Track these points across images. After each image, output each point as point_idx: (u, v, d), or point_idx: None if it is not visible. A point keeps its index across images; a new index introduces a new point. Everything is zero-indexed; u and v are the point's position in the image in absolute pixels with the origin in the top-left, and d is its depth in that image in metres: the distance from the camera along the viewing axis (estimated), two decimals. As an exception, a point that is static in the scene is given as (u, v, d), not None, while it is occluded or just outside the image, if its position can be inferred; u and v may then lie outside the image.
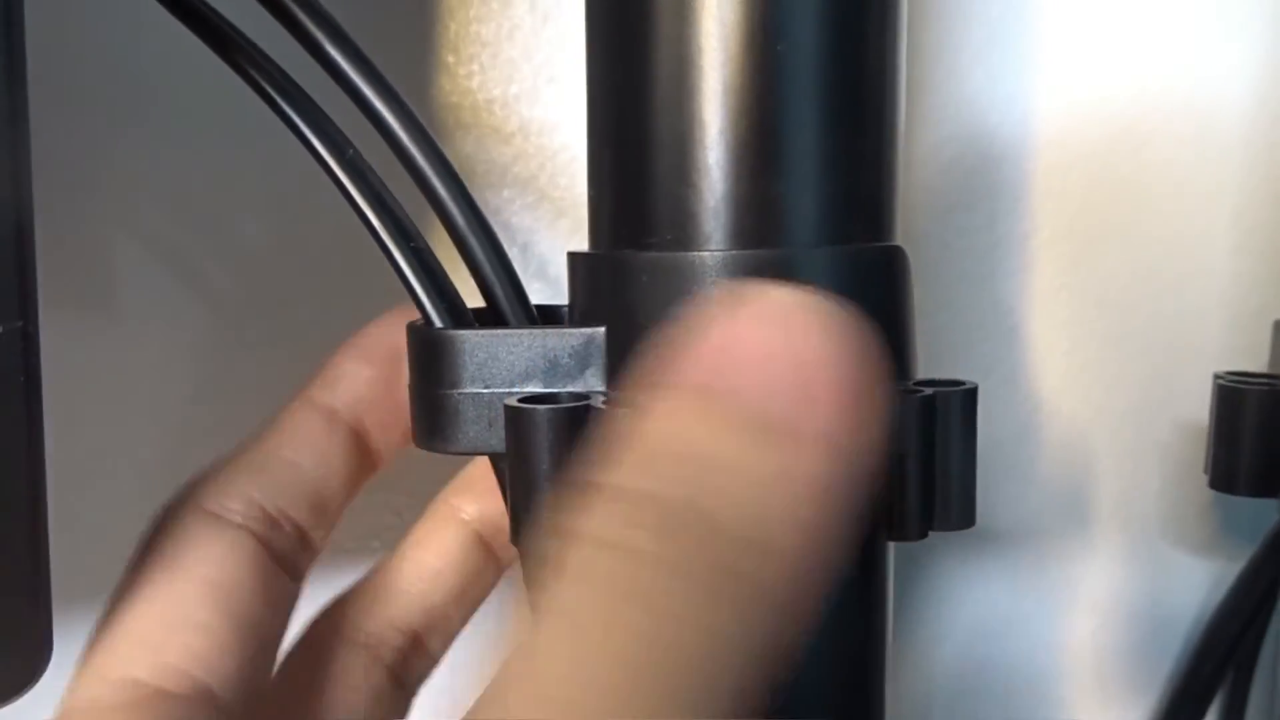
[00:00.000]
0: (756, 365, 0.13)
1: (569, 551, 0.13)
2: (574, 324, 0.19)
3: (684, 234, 0.17)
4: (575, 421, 0.17)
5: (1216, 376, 0.24)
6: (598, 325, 0.18)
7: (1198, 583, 0.31)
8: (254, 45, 0.20)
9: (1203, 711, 0.28)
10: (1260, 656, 0.27)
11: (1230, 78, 0.29)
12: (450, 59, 0.29)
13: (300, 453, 0.21)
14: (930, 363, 0.30)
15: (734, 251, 0.17)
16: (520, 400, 0.19)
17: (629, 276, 0.18)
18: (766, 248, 0.17)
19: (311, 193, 0.29)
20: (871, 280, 0.18)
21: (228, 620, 0.19)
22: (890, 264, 0.18)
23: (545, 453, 0.19)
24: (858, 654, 0.19)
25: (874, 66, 0.18)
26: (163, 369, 0.29)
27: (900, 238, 0.30)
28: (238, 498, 0.20)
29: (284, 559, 0.21)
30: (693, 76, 0.17)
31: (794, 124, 0.17)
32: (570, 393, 0.18)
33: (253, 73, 0.20)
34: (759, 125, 0.17)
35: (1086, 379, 0.30)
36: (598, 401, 0.18)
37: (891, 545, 0.20)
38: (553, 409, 0.18)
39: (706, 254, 0.17)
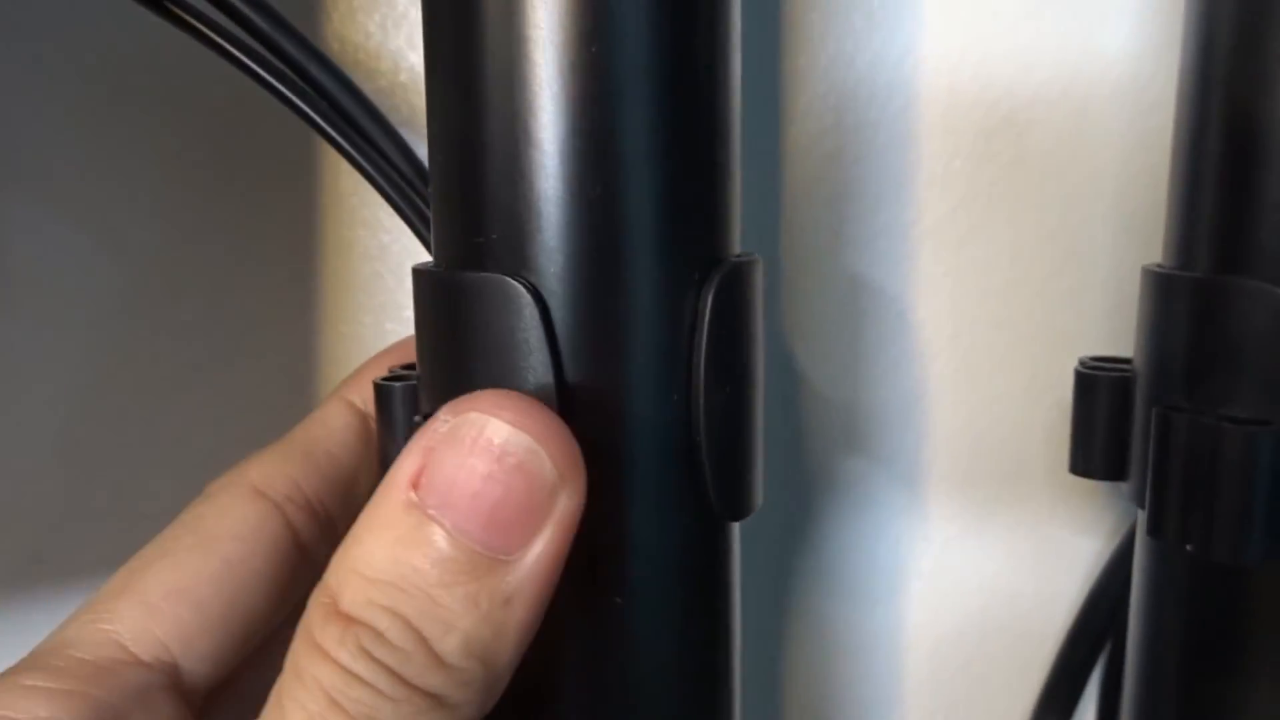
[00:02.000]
0: (469, 498, 0.15)
1: (299, 646, 0.15)
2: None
3: (512, 240, 0.18)
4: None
5: (1079, 363, 0.24)
6: None
7: (1082, 563, 0.31)
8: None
9: (1079, 689, 0.29)
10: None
11: (1108, 66, 0.29)
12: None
13: (338, 447, 0.23)
14: (818, 350, 0.31)
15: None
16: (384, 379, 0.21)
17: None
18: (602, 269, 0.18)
19: (201, 184, 0.29)
20: (708, 294, 0.18)
21: (226, 603, 0.20)
22: (731, 276, 0.18)
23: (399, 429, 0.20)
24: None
25: (702, 71, 0.18)
26: (59, 359, 0.29)
27: (784, 230, 0.30)
28: (283, 479, 0.22)
29: (309, 548, 0.22)
30: (519, 86, 0.17)
31: (617, 131, 0.17)
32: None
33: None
34: (584, 132, 0.17)
35: (971, 364, 0.31)
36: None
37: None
38: (406, 386, 0.20)
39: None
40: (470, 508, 0.15)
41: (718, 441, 0.18)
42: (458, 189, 0.19)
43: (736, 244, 0.20)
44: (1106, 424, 0.23)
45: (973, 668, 0.32)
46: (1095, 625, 0.28)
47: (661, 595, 0.19)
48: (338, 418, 0.23)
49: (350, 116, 0.24)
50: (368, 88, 0.27)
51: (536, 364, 0.17)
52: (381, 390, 0.21)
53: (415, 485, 0.16)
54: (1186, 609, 0.21)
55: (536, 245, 0.18)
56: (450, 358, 0.19)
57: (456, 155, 0.18)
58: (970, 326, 0.30)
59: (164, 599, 0.19)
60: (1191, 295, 0.20)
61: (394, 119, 0.27)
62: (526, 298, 0.17)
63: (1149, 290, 0.22)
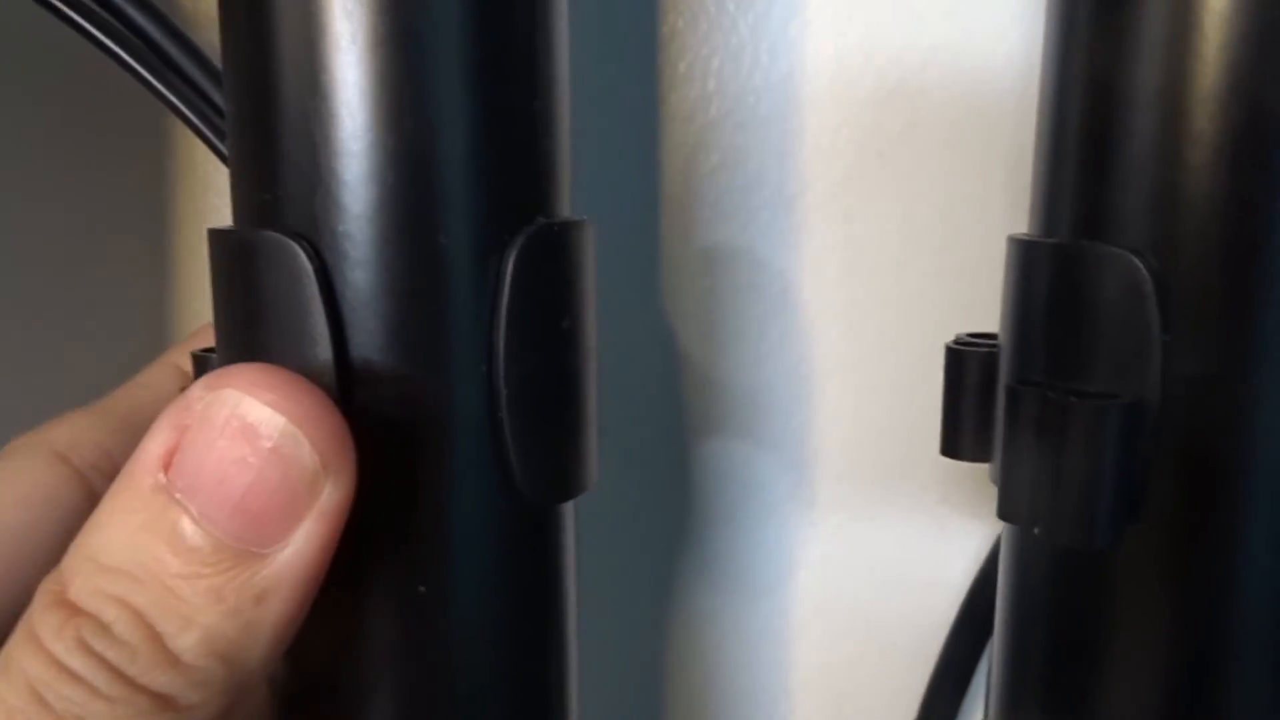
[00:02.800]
0: (217, 483, 0.14)
1: (15, 635, 0.14)
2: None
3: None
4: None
5: (953, 339, 0.23)
6: None
7: (975, 548, 0.30)
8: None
9: (966, 678, 0.28)
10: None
11: (1002, 33, 0.28)
12: None
13: (159, 410, 0.20)
14: (701, 328, 0.29)
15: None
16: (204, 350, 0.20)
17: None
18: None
19: (49, 155, 0.27)
20: (509, 258, 0.17)
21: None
22: (540, 238, 0.17)
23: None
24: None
25: (519, 13, 0.17)
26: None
27: (663, 202, 0.29)
28: (92, 446, 0.20)
29: None
30: (310, 32, 0.16)
31: (416, 78, 0.16)
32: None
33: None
34: (379, 79, 0.16)
35: (862, 342, 0.29)
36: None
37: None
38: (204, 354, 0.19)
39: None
40: (218, 494, 0.14)
41: (523, 418, 0.17)
42: (249, 140, 0.17)
43: (561, 206, 0.18)
44: (974, 402, 0.22)
45: (864, 659, 0.31)
46: (979, 616, 0.27)
47: (470, 583, 0.17)
48: (162, 383, 0.22)
49: (175, 64, 0.22)
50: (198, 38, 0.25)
51: (315, 333, 0.16)
52: (198, 361, 0.20)
53: (166, 466, 0.14)
54: (1044, 595, 0.20)
55: (324, 201, 0.16)
56: (233, 324, 0.17)
57: (248, 104, 0.17)
58: (860, 303, 0.29)
59: None
60: (1050, 262, 0.19)
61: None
62: (303, 259, 0.16)
63: (1012, 259, 0.21)
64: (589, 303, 0.18)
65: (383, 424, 0.16)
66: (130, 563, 0.14)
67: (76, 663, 0.13)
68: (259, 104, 0.17)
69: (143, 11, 0.21)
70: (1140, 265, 0.18)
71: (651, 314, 0.29)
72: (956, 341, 0.23)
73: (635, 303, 0.29)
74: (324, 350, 0.16)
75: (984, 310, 0.29)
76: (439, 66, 0.16)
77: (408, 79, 0.16)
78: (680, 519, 0.30)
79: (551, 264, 0.17)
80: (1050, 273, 0.19)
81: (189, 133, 0.28)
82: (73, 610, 0.14)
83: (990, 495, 0.29)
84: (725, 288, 0.29)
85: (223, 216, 0.28)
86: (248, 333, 0.17)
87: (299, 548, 0.14)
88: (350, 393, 0.16)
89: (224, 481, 0.14)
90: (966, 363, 0.22)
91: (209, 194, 0.28)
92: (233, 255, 0.17)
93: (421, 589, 0.17)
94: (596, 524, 0.28)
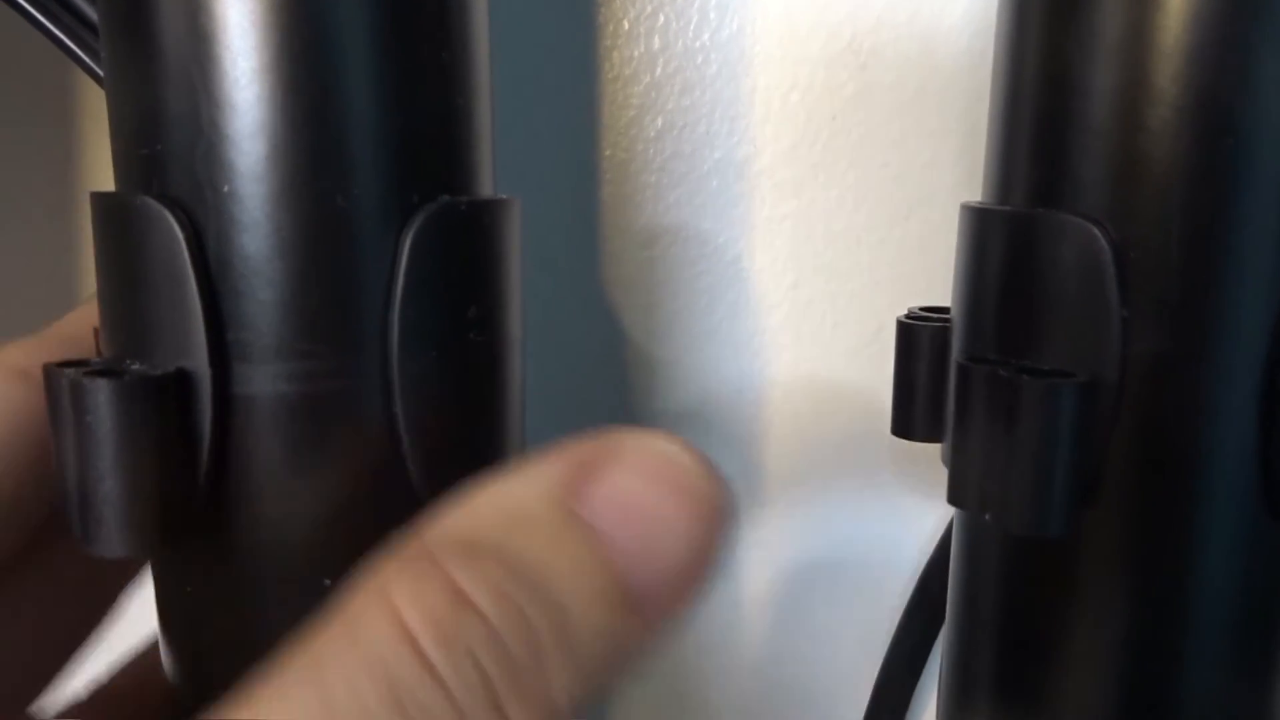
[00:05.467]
0: (640, 528, 0.12)
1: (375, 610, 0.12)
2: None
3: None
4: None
5: (906, 313, 0.22)
6: None
7: (930, 528, 0.29)
8: None
9: (918, 666, 0.27)
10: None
11: (957, -7, 0.26)
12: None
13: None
14: (646, 298, 0.28)
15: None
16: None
17: None
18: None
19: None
20: (405, 239, 0.15)
21: None
22: (441, 217, 0.15)
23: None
24: None
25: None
26: None
27: (603, 169, 0.27)
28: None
29: None
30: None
31: (314, 22, 0.15)
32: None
33: None
34: (272, 25, 0.14)
35: (813, 315, 0.28)
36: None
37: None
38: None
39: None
40: (648, 545, 0.13)
41: (418, 416, 0.15)
42: (126, 89, 0.15)
43: (478, 180, 0.17)
44: (926, 379, 0.21)
45: (813, 642, 0.30)
46: (930, 602, 0.26)
47: None
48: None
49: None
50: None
51: (189, 309, 0.14)
52: (98, 333, 0.18)
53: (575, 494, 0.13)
54: (995, 584, 0.19)
55: (207, 158, 0.15)
56: (112, 294, 0.16)
57: (124, 48, 0.15)
58: (811, 275, 0.28)
59: None
60: (1004, 231, 0.18)
61: None
62: (176, 230, 0.14)
63: (965, 228, 0.19)
64: (506, 290, 0.17)
65: (263, 409, 0.15)
66: (530, 569, 0.12)
67: (453, 676, 0.11)
68: (135, 48, 0.15)
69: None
70: (1099, 235, 0.16)
71: (591, 288, 0.27)
72: (908, 315, 0.22)
73: (573, 276, 0.27)
74: (197, 327, 0.14)
75: (940, 283, 0.28)
76: (332, 7, 0.15)
77: (299, 22, 0.14)
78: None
79: (457, 246, 0.16)
80: (1004, 242, 0.18)
81: (99, 96, 0.26)
82: (461, 601, 0.12)
83: (943, 474, 0.28)
84: (670, 259, 0.27)
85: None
86: (125, 304, 0.15)
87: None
88: (227, 374, 0.15)
89: (656, 536, 0.13)
90: (918, 338, 0.21)
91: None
92: (108, 222, 0.16)
93: (326, 581, 0.16)
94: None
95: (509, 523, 0.12)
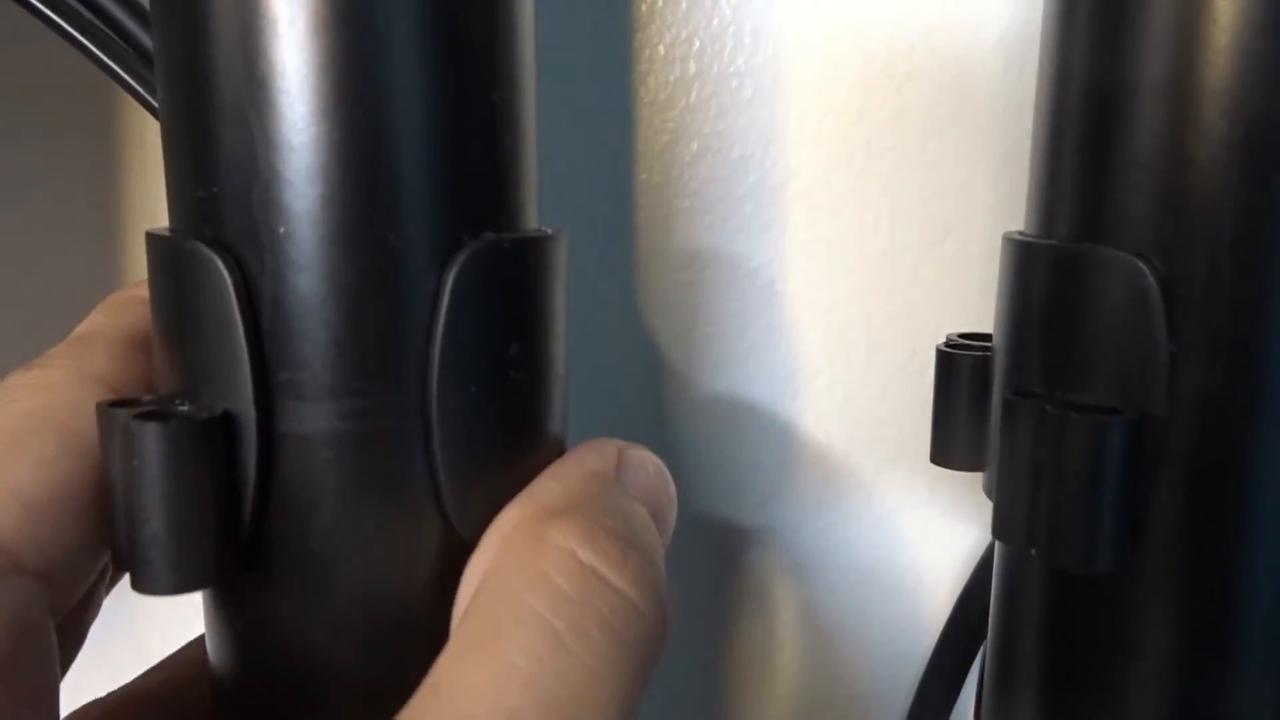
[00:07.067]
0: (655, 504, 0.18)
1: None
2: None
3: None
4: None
5: (945, 340, 0.22)
6: None
7: (964, 551, 0.29)
8: None
9: (955, 688, 0.27)
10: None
11: (994, 15, 0.26)
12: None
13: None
14: (679, 325, 0.28)
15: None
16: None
17: None
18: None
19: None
20: (448, 278, 0.15)
21: (97, 515, 0.16)
22: (485, 255, 0.16)
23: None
24: None
25: (480, 13, 0.16)
26: None
27: (638, 193, 0.27)
28: (137, 379, 0.18)
29: None
30: (250, 11, 0.14)
31: (365, 64, 0.15)
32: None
33: None
34: (322, 67, 0.14)
35: (848, 339, 0.28)
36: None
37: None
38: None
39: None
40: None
41: (456, 454, 0.16)
42: (182, 130, 0.16)
43: (524, 214, 0.17)
44: (967, 409, 0.21)
45: (849, 664, 0.30)
46: (968, 625, 0.26)
47: (402, 623, 0.16)
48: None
49: (123, 29, 0.20)
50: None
51: (233, 353, 0.15)
52: None
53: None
54: (1038, 617, 0.19)
55: (263, 200, 0.15)
56: (165, 331, 0.16)
57: (181, 92, 0.16)
58: (846, 299, 0.28)
59: (42, 504, 0.15)
60: (1048, 265, 0.18)
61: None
62: (224, 276, 0.14)
63: (1007, 260, 0.19)
64: (549, 327, 0.17)
65: (308, 446, 0.15)
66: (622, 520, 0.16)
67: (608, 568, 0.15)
68: (192, 91, 0.15)
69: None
70: (1146, 270, 0.16)
71: (627, 310, 0.28)
72: (948, 344, 0.22)
73: (609, 299, 0.27)
74: (243, 370, 0.15)
75: (973, 307, 0.28)
76: (387, 50, 0.15)
77: (355, 65, 0.15)
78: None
79: (499, 283, 0.16)
80: (1049, 276, 0.18)
81: (140, 114, 0.26)
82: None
83: (978, 499, 0.28)
84: (705, 282, 0.27)
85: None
86: (174, 346, 0.16)
87: None
88: (273, 414, 0.15)
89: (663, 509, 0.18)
90: (958, 367, 0.21)
91: (160, 181, 0.26)
92: (161, 263, 0.16)
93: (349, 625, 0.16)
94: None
95: (590, 492, 0.17)
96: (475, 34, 0.16)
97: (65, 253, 0.28)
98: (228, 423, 0.15)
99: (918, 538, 0.29)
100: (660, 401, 0.28)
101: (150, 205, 0.27)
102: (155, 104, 0.19)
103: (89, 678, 0.27)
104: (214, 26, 0.15)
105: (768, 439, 0.28)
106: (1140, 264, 0.16)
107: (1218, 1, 0.16)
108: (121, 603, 0.28)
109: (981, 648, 0.27)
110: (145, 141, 0.27)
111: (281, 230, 0.15)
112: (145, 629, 0.28)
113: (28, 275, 0.28)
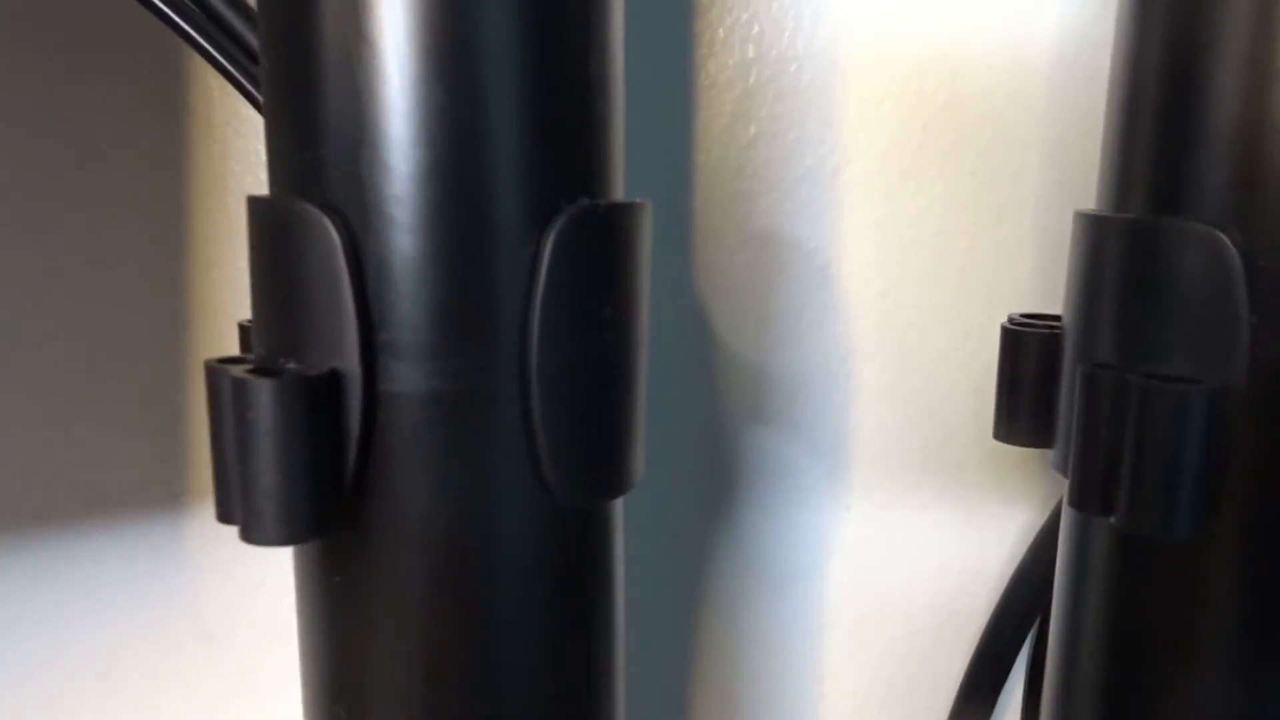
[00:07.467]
0: None
1: None
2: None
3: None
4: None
5: (1008, 319, 0.22)
6: None
7: (1012, 534, 0.29)
8: None
9: (1003, 673, 0.27)
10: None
11: (1042, 8, 0.27)
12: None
13: None
14: (732, 306, 0.28)
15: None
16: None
17: None
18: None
19: (69, 121, 0.26)
20: (547, 241, 0.16)
21: None
22: (581, 220, 0.16)
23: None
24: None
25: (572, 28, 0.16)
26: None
27: (696, 174, 0.28)
28: None
29: None
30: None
31: (470, 36, 0.15)
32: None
33: None
34: (431, 34, 0.15)
35: (901, 322, 0.28)
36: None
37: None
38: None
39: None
40: None
41: (555, 413, 0.16)
42: (287, 92, 0.16)
43: (614, 184, 0.17)
44: (1033, 385, 0.21)
45: (896, 646, 0.30)
46: (1020, 605, 0.26)
47: (501, 581, 0.16)
48: None
49: (221, 18, 0.21)
50: None
51: (341, 313, 0.15)
52: (243, 330, 0.19)
53: None
54: (1112, 589, 0.19)
55: (370, 162, 0.15)
56: (268, 295, 0.16)
57: (286, 52, 0.16)
58: (899, 282, 0.28)
59: None
60: (1124, 239, 0.18)
61: None
62: (334, 238, 0.15)
63: (1080, 235, 0.20)
64: (638, 291, 0.17)
65: (410, 405, 0.15)
66: None
67: None
68: (299, 54, 0.15)
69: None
70: (1227, 241, 0.17)
71: (683, 290, 0.28)
72: (1013, 322, 0.22)
73: (666, 278, 0.28)
74: (350, 330, 0.15)
75: (1028, 290, 0.29)
76: (491, 15, 0.15)
77: (457, 31, 0.15)
78: (712, 503, 0.29)
79: (595, 248, 0.16)
80: (1124, 250, 0.18)
81: (206, 93, 0.27)
82: None
83: (1026, 481, 0.29)
84: (761, 264, 0.28)
85: (241, 184, 0.27)
86: (279, 306, 0.16)
87: None
88: (375, 373, 0.15)
89: None
90: (1025, 344, 0.21)
91: (227, 159, 0.27)
92: (265, 226, 0.16)
93: (451, 580, 0.16)
94: (626, 507, 0.27)
95: None
96: (571, 2, 0.16)
97: (130, 228, 0.28)
98: (334, 381, 0.15)
99: (967, 522, 0.29)
100: (712, 381, 0.29)
101: (216, 174, 0.28)
102: (246, 85, 0.19)
103: (151, 657, 0.27)
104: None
105: (820, 421, 0.29)
106: (1221, 235, 0.17)
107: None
108: (184, 582, 0.28)
109: (1031, 630, 0.27)
110: (214, 120, 0.27)
111: (387, 192, 0.15)
112: (208, 608, 0.29)
113: (92, 255, 0.28)
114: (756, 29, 0.27)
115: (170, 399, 0.27)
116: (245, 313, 0.25)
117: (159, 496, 0.28)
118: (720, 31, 0.27)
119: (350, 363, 0.15)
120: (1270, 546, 0.17)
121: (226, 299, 0.27)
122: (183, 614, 0.29)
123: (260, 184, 0.27)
